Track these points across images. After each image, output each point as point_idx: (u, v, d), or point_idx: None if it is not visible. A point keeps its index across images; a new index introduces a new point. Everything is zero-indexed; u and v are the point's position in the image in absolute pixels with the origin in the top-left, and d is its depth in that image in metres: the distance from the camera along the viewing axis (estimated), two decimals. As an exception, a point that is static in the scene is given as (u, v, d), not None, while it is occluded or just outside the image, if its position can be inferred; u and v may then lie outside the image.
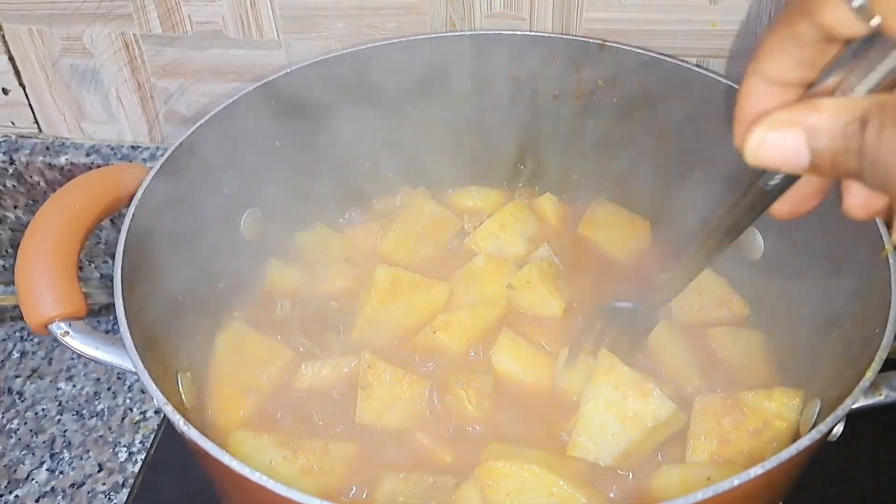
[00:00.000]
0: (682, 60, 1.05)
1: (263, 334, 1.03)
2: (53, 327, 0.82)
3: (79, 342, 0.82)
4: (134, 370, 0.75)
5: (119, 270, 0.81)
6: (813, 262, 0.94)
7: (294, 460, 0.88)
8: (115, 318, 0.78)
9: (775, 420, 0.87)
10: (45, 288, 0.83)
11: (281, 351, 1.02)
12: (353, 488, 0.89)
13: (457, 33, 1.11)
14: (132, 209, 0.87)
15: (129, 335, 0.75)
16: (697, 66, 1.06)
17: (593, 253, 1.17)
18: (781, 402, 0.87)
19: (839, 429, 0.77)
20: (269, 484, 0.63)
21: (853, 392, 0.73)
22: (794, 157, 0.52)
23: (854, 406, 0.74)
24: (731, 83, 1.01)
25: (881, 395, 0.77)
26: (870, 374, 0.74)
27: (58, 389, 1.29)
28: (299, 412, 0.96)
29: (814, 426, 0.72)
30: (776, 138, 0.52)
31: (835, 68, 0.55)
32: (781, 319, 1.01)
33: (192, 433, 0.66)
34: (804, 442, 0.68)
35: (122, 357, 0.79)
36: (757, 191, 0.64)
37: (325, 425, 0.94)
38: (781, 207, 0.65)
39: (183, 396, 0.87)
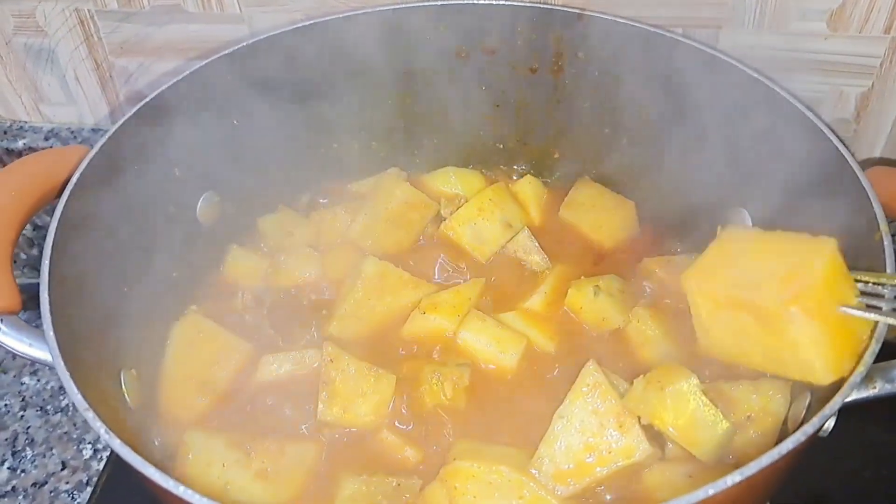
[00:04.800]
0: (668, 30, 0.99)
1: (221, 327, 0.98)
2: (-18, 322, 0.78)
3: (11, 339, 0.77)
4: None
5: (47, 260, 0.76)
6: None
7: (248, 463, 0.83)
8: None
9: (760, 414, 0.81)
10: (-28, 282, 0.78)
11: (239, 345, 0.96)
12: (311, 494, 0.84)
13: (427, 3, 1.05)
14: (65, 195, 0.81)
15: (51, 331, 0.71)
16: (684, 36, 1.00)
17: (576, 236, 1.11)
18: (768, 395, 0.82)
19: (830, 424, 0.72)
20: (195, 499, 0.57)
21: (843, 387, 0.67)
22: None
23: (846, 400, 0.69)
24: (718, 53, 0.96)
25: (875, 387, 0.73)
26: (862, 368, 0.69)
27: (21, 384, 1.24)
28: (257, 410, 0.91)
29: (801, 424, 0.67)
30: None
31: None
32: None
33: (114, 442, 0.61)
34: (787, 445, 0.62)
35: (55, 354, 0.74)
36: None
37: (284, 424, 0.89)
38: None
39: (126, 395, 0.83)
